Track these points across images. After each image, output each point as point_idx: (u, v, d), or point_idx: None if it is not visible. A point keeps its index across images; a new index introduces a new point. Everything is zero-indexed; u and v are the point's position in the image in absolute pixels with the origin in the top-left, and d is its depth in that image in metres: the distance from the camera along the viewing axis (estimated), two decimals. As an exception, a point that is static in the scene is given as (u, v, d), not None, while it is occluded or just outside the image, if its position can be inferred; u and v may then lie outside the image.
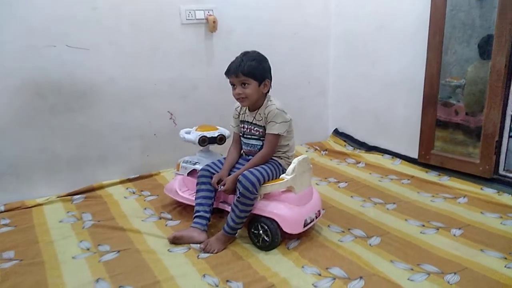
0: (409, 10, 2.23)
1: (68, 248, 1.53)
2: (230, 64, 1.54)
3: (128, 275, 1.34)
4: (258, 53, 1.55)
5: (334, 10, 2.66)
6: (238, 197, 1.45)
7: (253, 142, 1.62)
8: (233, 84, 1.54)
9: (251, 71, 1.49)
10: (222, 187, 1.54)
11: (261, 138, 1.59)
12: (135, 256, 1.45)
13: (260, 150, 1.58)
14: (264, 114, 1.54)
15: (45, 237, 1.61)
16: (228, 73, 1.53)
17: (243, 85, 1.51)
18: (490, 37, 1.88)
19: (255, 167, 1.51)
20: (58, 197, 1.96)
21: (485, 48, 1.94)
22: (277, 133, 1.53)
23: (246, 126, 1.63)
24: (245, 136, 1.64)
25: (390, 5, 2.33)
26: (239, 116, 1.66)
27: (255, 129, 1.59)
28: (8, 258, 1.46)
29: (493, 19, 1.86)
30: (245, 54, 1.53)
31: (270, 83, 1.56)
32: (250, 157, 1.61)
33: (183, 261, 1.42)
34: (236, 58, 1.54)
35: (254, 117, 1.59)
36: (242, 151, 1.69)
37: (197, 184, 1.63)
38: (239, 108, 1.66)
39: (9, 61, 1.80)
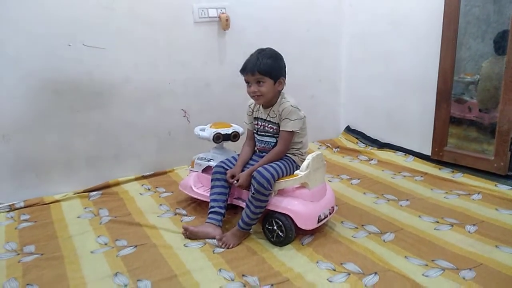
0: (422, 7, 2.22)
1: (86, 243, 1.56)
2: (245, 62, 1.55)
3: (146, 269, 1.37)
4: (274, 50, 1.56)
5: (347, 8, 2.66)
6: (253, 193, 1.47)
7: (267, 139, 1.63)
8: (248, 82, 1.55)
9: (267, 69, 1.50)
10: (236, 182, 1.56)
11: (275, 135, 1.60)
12: (152, 251, 1.48)
13: (274, 147, 1.59)
14: (279, 111, 1.55)
15: (64, 232, 1.65)
16: (243, 71, 1.54)
17: (258, 83, 1.52)
18: (506, 33, 1.87)
19: (269, 164, 1.53)
20: (75, 193, 2.00)
21: (500, 44, 1.92)
22: (291, 130, 1.54)
23: (260, 123, 1.64)
24: (259, 133, 1.66)
25: (403, 2, 2.32)
26: (252, 113, 1.68)
27: (269, 126, 1.61)
28: (29, 252, 1.50)
29: (508, 14, 1.85)
30: (260, 51, 1.54)
31: (285, 81, 1.58)
32: (264, 154, 1.63)
33: (199, 255, 1.44)
34: (252, 55, 1.54)
35: (268, 114, 1.60)
36: (256, 148, 1.71)
37: (212, 180, 1.66)
38: (253, 105, 1.67)
39: (28, 62, 1.84)
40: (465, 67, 2.11)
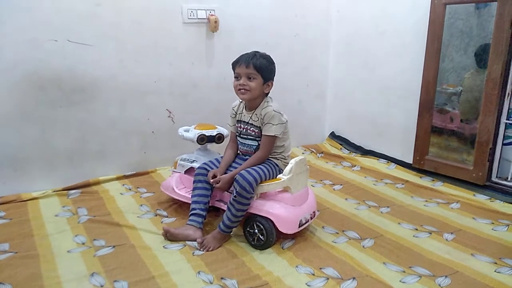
0: (408, 17, 2.27)
1: (63, 242, 1.53)
2: (240, 56, 1.56)
3: (123, 270, 1.35)
4: (269, 55, 1.59)
5: (335, 15, 2.69)
6: (235, 196, 1.46)
7: (249, 142, 1.63)
8: (237, 76, 1.55)
9: (261, 66, 1.52)
10: (214, 183, 1.55)
11: (257, 138, 1.60)
12: (130, 252, 1.46)
13: (256, 151, 1.59)
14: (261, 115, 1.56)
15: (41, 231, 1.61)
16: (237, 62, 1.55)
17: (249, 79, 1.52)
18: (487, 46, 1.92)
19: (252, 167, 1.53)
20: (54, 191, 1.96)
21: (481, 57, 1.97)
22: (273, 134, 1.54)
23: (242, 126, 1.64)
24: (241, 135, 1.66)
25: (390, 11, 2.36)
26: (236, 115, 1.68)
27: (251, 129, 1.61)
28: (3, 250, 1.46)
29: (490, 29, 1.90)
30: (257, 51, 1.57)
31: (272, 85, 1.59)
32: (247, 156, 1.63)
33: (178, 257, 1.43)
34: (247, 52, 1.56)
35: (250, 117, 1.60)
36: (239, 151, 1.71)
37: (194, 182, 1.65)
38: (236, 107, 1.67)
39: (10, 53, 1.81)
40: (448, 79, 2.16)
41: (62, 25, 1.89)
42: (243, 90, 1.54)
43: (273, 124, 1.53)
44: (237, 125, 1.67)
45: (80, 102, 2.01)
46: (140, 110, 2.18)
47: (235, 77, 1.57)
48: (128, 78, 2.10)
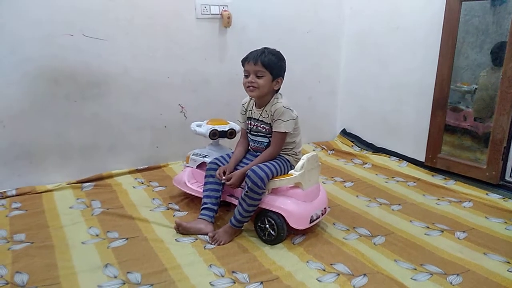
0: (422, 14, 2.24)
1: (77, 233, 1.56)
2: (249, 53, 1.55)
3: (136, 262, 1.37)
4: (279, 51, 1.57)
5: (348, 11, 2.68)
6: (246, 191, 1.47)
7: (260, 139, 1.63)
8: (246, 73, 1.55)
9: (270, 63, 1.51)
10: (225, 180, 1.56)
11: (268, 135, 1.60)
12: (143, 244, 1.48)
13: (267, 148, 1.60)
14: (271, 111, 1.56)
15: (55, 222, 1.64)
16: (246, 60, 1.55)
17: (257, 76, 1.52)
18: (503, 44, 1.89)
19: (264, 163, 1.53)
20: (68, 184, 2.00)
21: (497, 55, 1.94)
22: (284, 131, 1.54)
23: (253, 123, 1.64)
24: (252, 132, 1.66)
25: (404, 8, 2.34)
26: (246, 112, 1.68)
27: (261, 126, 1.61)
28: (20, 241, 1.49)
29: (507, 26, 1.87)
30: (266, 48, 1.55)
31: (282, 82, 1.58)
32: (258, 153, 1.64)
33: (190, 251, 1.44)
34: (257, 49, 1.55)
35: (260, 114, 1.60)
36: (249, 147, 1.71)
37: (206, 176, 1.66)
38: (246, 104, 1.68)
39: (26, 48, 1.83)
40: (462, 76, 2.13)
41: (77, 20, 1.91)
42: (251, 88, 1.53)
43: (284, 121, 1.53)
44: (247, 122, 1.67)
45: (94, 97, 2.04)
46: (152, 105, 2.20)
47: (244, 74, 1.57)
48: (141, 73, 2.12)
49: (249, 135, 1.68)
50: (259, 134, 1.63)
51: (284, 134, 1.56)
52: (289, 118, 1.54)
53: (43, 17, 1.84)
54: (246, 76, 1.55)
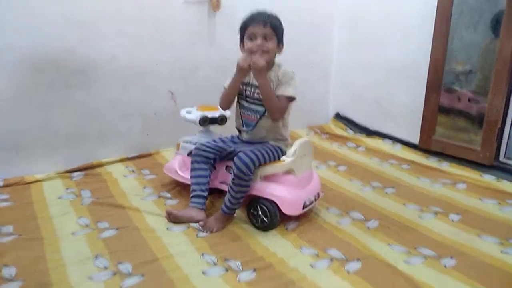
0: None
1: (67, 224, 1.53)
2: (253, 14, 1.45)
3: (127, 252, 1.34)
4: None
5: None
6: (233, 179, 1.44)
7: (255, 107, 1.53)
8: (252, 36, 1.44)
9: (278, 26, 1.44)
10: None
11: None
12: (134, 234, 1.46)
13: (262, 118, 1.51)
14: (277, 76, 1.47)
15: (44, 213, 1.61)
16: (253, 21, 1.43)
17: (265, 39, 1.43)
18: (502, 13, 1.82)
19: (251, 149, 1.47)
20: (57, 173, 1.96)
21: (498, 25, 1.87)
22: (292, 95, 1.46)
23: (250, 89, 1.53)
24: (247, 99, 1.56)
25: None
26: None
27: (260, 92, 1.48)
28: (7, 233, 1.46)
29: (502, 4, 1.82)
30: (266, 11, 1.45)
31: (282, 48, 1.51)
32: (249, 130, 1.56)
33: (182, 239, 1.42)
34: (259, 11, 1.45)
35: None
36: (238, 135, 1.64)
37: (192, 163, 1.59)
38: None
39: (7, 35, 1.77)
40: (456, 57, 2.10)
41: (60, 7, 1.84)
42: (261, 52, 1.42)
43: (291, 85, 1.45)
44: (242, 88, 1.55)
45: (79, 84, 1.98)
46: (141, 92, 2.15)
47: (248, 37, 1.45)
48: (128, 60, 2.06)
49: (243, 102, 1.57)
50: (256, 101, 1.53)
51: (290, 100, 1.47)
52: (295, 85, 1.46)
53: (25, 3, 1.76)
54: (251, 40, 1.45)
